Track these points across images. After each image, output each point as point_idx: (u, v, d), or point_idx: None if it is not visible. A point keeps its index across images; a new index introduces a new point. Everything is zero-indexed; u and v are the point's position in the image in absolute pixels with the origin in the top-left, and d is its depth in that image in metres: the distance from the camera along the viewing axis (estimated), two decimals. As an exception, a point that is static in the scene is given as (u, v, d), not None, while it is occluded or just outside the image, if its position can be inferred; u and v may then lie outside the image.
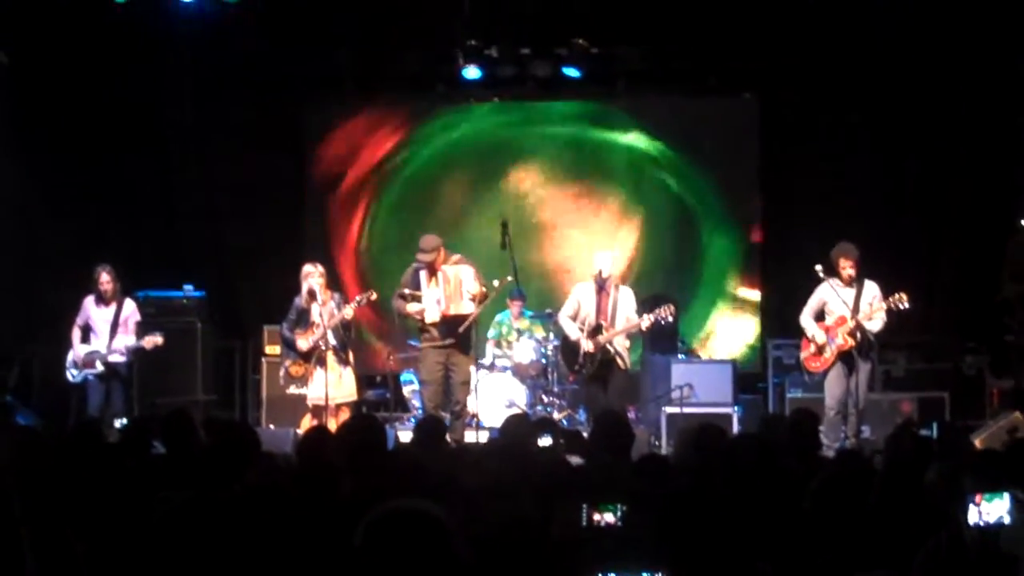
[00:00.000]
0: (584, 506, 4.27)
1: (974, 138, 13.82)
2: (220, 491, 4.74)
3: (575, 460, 6.75)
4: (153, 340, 11.84)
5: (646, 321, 11.31)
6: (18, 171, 13.27)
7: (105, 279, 11.87)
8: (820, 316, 11.15)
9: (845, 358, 10.94)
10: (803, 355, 11.32)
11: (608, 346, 11.32)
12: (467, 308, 11.00)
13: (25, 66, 13.41)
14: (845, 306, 10.88)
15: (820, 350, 11.01)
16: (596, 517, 4.25)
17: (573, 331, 11.48)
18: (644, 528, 4.19)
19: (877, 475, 5.15)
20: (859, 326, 10.78)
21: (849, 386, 10.91)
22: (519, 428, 7.34)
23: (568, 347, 11.67)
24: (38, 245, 13.13)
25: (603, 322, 11.36)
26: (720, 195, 15.05)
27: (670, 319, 11.48)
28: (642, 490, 4.82)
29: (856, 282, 10.96)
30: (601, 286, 11.45)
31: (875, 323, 10.87)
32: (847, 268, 10.91)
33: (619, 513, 4.25)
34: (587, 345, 11.34)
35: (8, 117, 13.40)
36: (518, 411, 11.98)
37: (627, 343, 11.54)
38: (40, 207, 13.30)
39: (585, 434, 8.58)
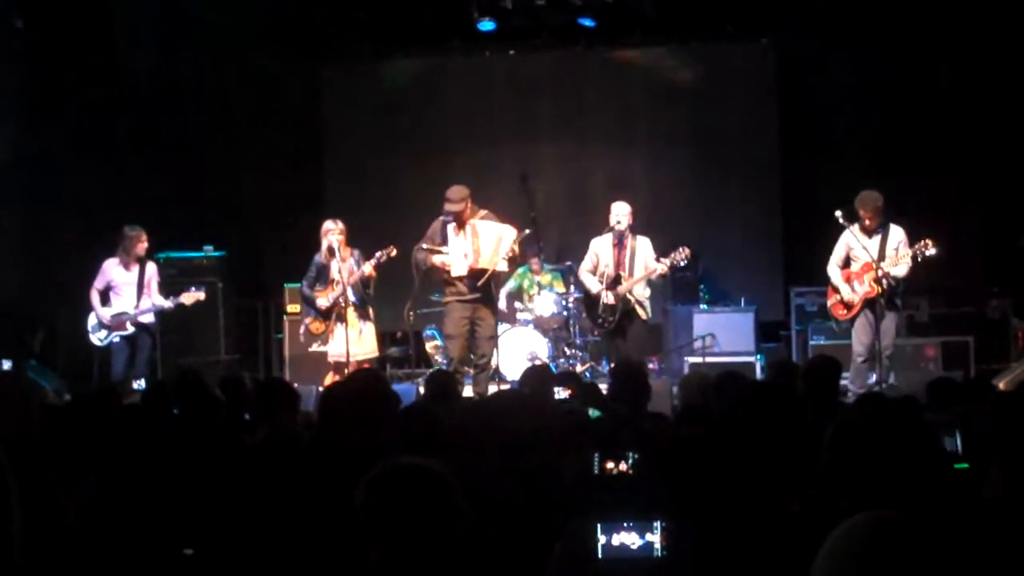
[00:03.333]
0: (596, 454, 4.26)
1: (997, 82, 13.68)
2: (231, 449, 4.76)
3: (594, 412, 6.74)
4: (194, 296, 11.88)
5: (662, 266, 11.28)
6: (36, 136, 13.25)
7: (144, 239, 11.85)
8: (847, 263, 11.06)
9: (872, 305, 10.85)
10: (830, 303, 11.22)
11: (628, 295, 11.32)
12: (502, 267, 11.00)
13: (41, 29, 13.37)
14: (869, 253, 10.79)
15: (847, 304, 10.93)
16: (608, 465, 4.24)
17: (593, 284, 11.50)
18: (656, 477, 4.18)
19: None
20: (886, 274, 10.68)
21: (878, 333, 10.84)
22: (538, 379, 7.33)
23: (590, 301, 11.68)
24: (58, 207, 13.14)
25: (622, 273, 11.37)
26: (740, 143, 14.98)
27: (685, 262, 11.45)
28: (654, 439, 4.80)
29: (880, 229, 10.84)
30: (619, 237, 11.44)
31: (900, 268, 10.73)
32: (867, 218, 10.77)
33: (631, 461, 4.24)
34: (608, 297, 11.36)
35: (27, 80, 13.37)
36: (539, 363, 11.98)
37: (647, 292, 11.49)
38: (59, 170, 13.27)
39: (604, 387, 8.54)
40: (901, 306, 11.23)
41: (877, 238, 10.79)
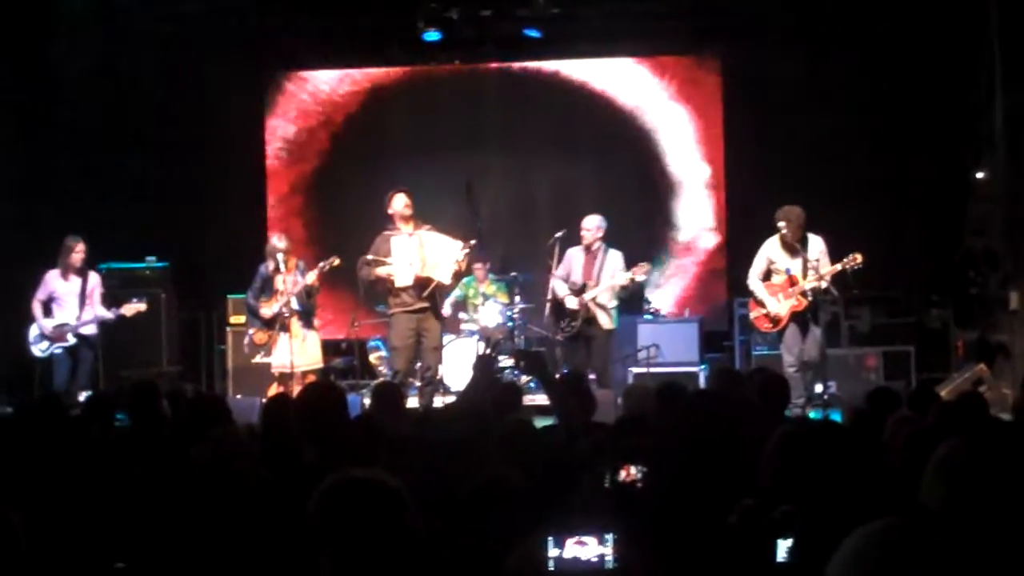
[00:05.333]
0: (608, 470, 4.23)
1: (936, 94, 13.84)
2: (178, 463, 4.73)
3: (542, 423, 6.74)
4: (135, 307, 11.85)
5: (623, 279, 11.64)
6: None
7: (80, 249, 11.84)
8: (767, 276, 11.17)
9: (798, 317, 10.98)
10: (753, 315, 11.35)
11: (591, 304, 11.62)
12: (446, 280, 11.07)
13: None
14: (792, 266, 10.92)
15: (772, 319, 11.04)
16: (622, 476, 4.22)
17: (561, 289, 11.83)
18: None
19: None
20: (815, 288, 10.79)
21: (804, 344, 10.97)
22: (485, 365, 7.28)
23: (556, 306, 11.96)
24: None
25: (588, 282, 11.74)
26: (686, 155, 15.05)
27: (644, 277, 11.88)
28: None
29: (801, 242, 10.93)
30: (588, 248, 11.82)
31: (820, 282, 10.86)
32: (789, 232, 10.88)
33: (641, 474, 4.22)
34: (572, 302, 11.66)
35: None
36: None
37: (614, 303, 11.79)
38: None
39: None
40: (823, 316, 11.31)
41: (798, 251, 10.90)
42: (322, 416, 5.34)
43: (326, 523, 3.07)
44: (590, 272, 11.78)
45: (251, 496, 4.26)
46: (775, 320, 11.03)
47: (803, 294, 10.86)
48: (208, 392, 10.88)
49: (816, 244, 10.96)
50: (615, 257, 11.83)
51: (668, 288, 14.89)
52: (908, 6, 13.66)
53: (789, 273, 10.94)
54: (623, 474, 4.21)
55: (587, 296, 11.66)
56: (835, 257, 10.85)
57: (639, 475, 4.21)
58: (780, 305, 10.97)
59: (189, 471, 4.35)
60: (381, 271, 10.97)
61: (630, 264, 11.81)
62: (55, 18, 13.65)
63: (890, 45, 13.87)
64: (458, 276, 11.40)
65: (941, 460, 3.44)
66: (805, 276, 10.84)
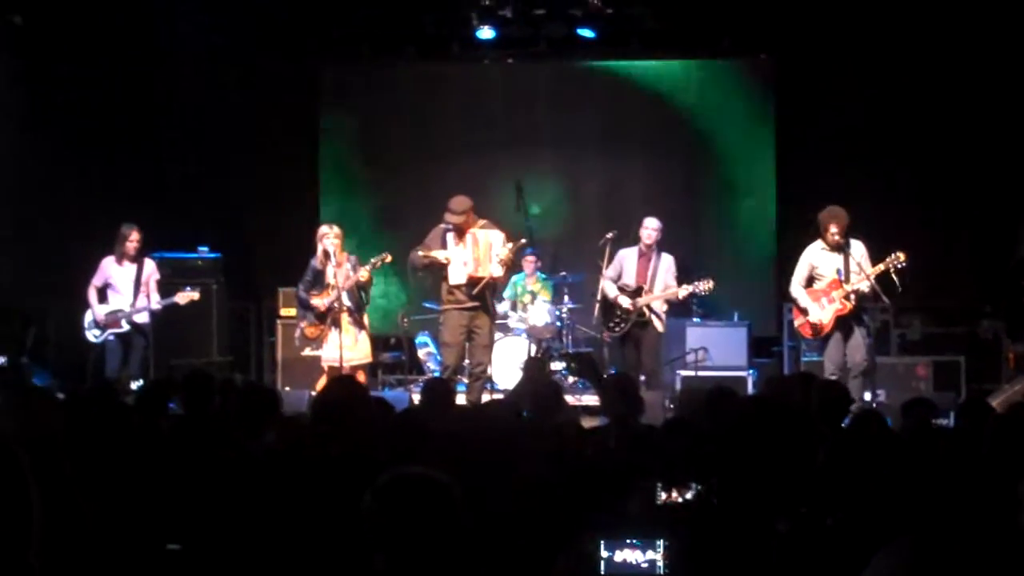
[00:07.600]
0: (659, 484, 4.20)
1: (991, 98, 13.73)
2: (238, 451, 4.75)
3: (590, 423, 6.76)
4: (188, 296, 11.93)
5: (684, 291, 11.72)
6: (32, 133, 13.20)
7: (135, 237, 11.93)
8: (810, 282, 11.13)
9: (842, 322, 10.93)
10: (797, 323, 11.33)
11: (645, 308, 11.66)
12: (496, 271, 11.04)
13: (40, 27, 13.29)
14: (836, 269, 10.87)
15: (814, 325, 10.99)
16: (673, 495, 4.17)
17: (612, 290, 11.79)
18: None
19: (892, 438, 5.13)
20: (855, 290, 10.75)
21: (846, 349, 10.92)
22: (536, 365, 7.27)
23: (606, 306, 11.88)
24: (51, 204, 13.13)
25: (643, 285, 11.74)
26: (736, 157, 15.00)
27: (705, 293, 11.85)
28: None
29: (844, 245, 10.91)
30: (643, 251, 11.81)
31: (865, 283, 10.83)
32: (837, 234, 10.86)
33: (695, 490, 4.17)
34: (626, 302, 11.65)
35: (23, 77, 13.32)
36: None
37: (664, 307, 11.85)
38: (55, 168, 13.26)
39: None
40: (868, 322, 11.28)
41: (840, 254, 10.87)
42: (338, 411, 5.35)
43: (380, 519, 3.08)
44: (644, 275, 11.77)
45: (308, 488, 4.29)
46: (818, 329, 10.98)
47: (847, 297, 10.82)
48: (259, 383, 10.88)
49: (858, 248, 10.95)
50: (668, 262, 11.86)
51: (717, 292, 14.80)
52: (963, 9, 13.55)
53: (832, 278, 10.89)
54: (675, 493, 4.18)
55: (642, 301, 11.66)
56: (878, 260, 10.81)
57: (691, 494, 4.17)
58: (824, 312, 10.94)
59: (249, 459, 4.36)
60: (436, 254, 10.98)
61: (679, 268, 11.82)
62: (114, 12, 13.73)
63: (945, 47, 13.75)
64: (507, 267, 11.31)
65: None
66: (849, 279, 10.80)
